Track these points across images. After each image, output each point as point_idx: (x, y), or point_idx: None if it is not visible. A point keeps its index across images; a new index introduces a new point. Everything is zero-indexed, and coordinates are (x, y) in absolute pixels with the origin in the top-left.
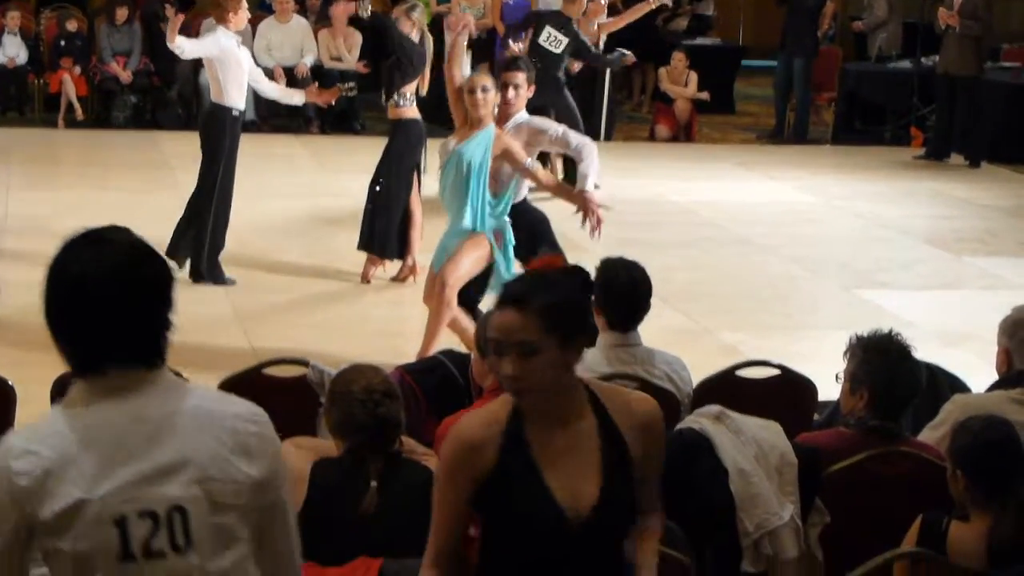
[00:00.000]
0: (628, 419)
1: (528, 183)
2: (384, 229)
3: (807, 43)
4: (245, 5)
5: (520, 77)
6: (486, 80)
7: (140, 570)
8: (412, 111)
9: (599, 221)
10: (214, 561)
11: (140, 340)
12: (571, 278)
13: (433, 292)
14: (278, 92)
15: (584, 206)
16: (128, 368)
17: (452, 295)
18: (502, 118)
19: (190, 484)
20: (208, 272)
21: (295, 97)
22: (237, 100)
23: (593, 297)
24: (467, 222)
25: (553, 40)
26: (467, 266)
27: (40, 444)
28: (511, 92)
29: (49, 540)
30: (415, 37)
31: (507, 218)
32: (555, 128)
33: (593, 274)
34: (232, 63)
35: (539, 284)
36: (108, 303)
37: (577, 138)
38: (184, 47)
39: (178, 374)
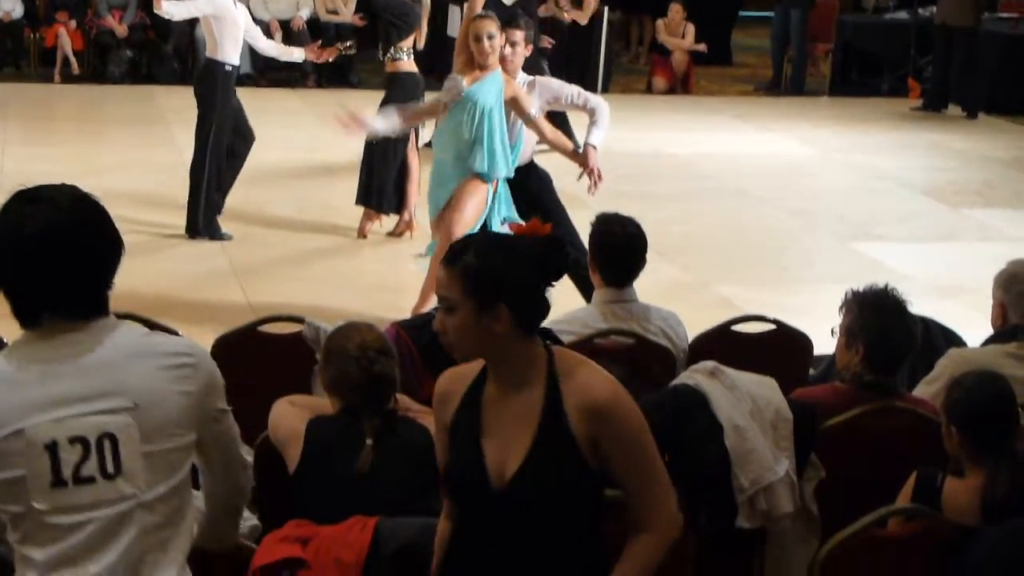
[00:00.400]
0: (578, 400)
1: (534, 143)
2: (381, 184)
3: None
4: None
5: (518, 35)
6: (492, 27)
7: (70, 495)
8: (409, 64)
9: (599, 179)
10: (148, 489)
11: (77, 295)
12: (531, 249)
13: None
14: (276, 50)
15: (585, 164)
16: (65, 319)
17: None
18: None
19: (120, 412)
20: (205, 228)
21: (294, 54)
22: (232, 56)
23: (589, 255)
24: (478, 164)
25: None
26: (470, 214)
27: None
28: (508, 50)
29: None
30: None
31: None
32: (570, 89)
33: (586, 239)
34: (228, 19)
35: (480, 246)
36: (42, 259)
37: (594, 98)
38: (172, 11)
39: (173, 331)
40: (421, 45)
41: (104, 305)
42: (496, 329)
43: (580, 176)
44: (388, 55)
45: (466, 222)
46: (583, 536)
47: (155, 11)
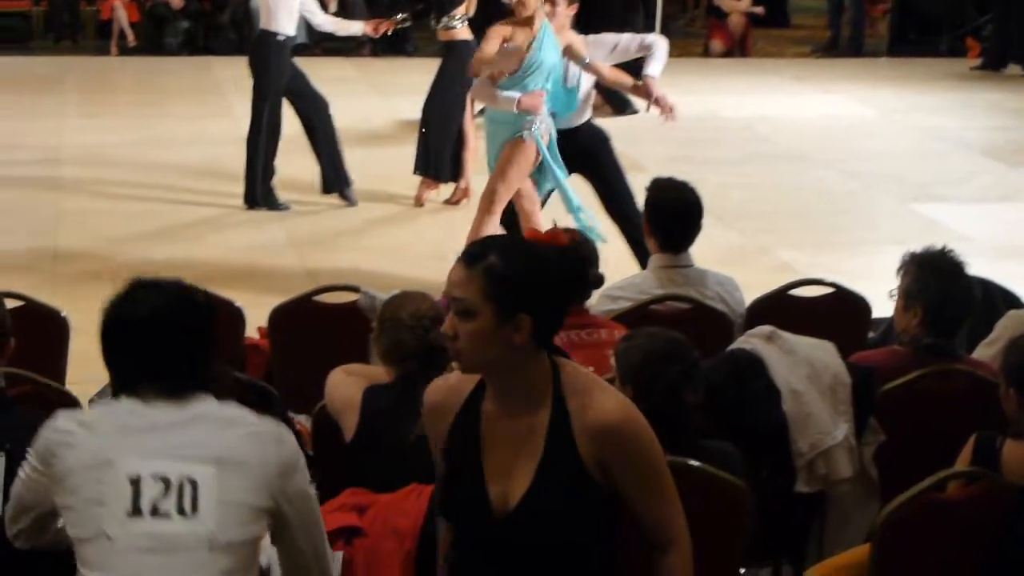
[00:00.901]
0: (587, 421)
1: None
2: (438, 152)
3: None
4: None
5: None
6: None
7: (144, 526)
8: (464, 32)
9: (671, 107)
10: (221, 534)
11: (176, 372)
12: (557, 257)
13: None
14: (333, 25)
15: (648, 95)
16: (162, 391)
17: (498, 208)
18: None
19: (206, 463)
20: (263, 198)
21: (352, 28)
22: (286, 26)
23: (645, 220)
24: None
25: None
26: (514, 176)
27: (80, 418)
28: (547, 8)
29: (71, 492)
30: None
31: (551, 120)
32: (622, 37)
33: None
34: None
35: (504, 249)
36: (147, 339)
37: (650, 36)
38: None
39: (229, 301)
40: (472, 11)
41: (201, 383)
42: (515, 340)
43: (648, 107)
44: (442, 23)
45: (508, 185)
46: (595, 562)
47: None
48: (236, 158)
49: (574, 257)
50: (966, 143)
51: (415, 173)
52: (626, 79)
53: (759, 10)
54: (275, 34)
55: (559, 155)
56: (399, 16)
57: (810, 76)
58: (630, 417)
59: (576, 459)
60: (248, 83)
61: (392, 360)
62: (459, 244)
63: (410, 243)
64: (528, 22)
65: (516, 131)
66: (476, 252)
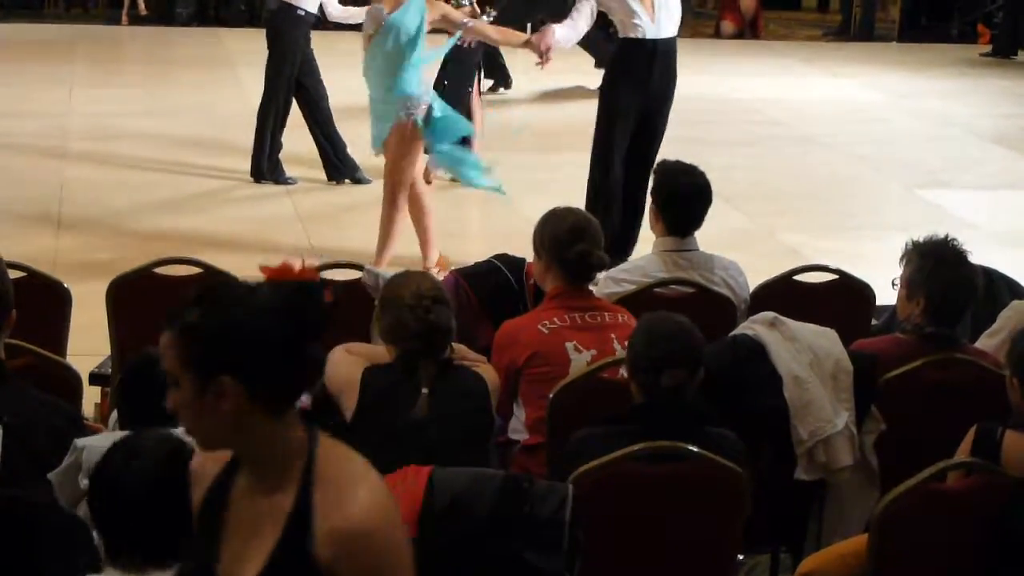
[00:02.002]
0: (327, 520)
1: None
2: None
3: None
4: None
5: None
6: None
7: None
8: (470, 13)
9: (547, 59)
10: None
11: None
12: (273, 300)
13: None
14: (344, 15)
15: (533, 47)
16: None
17: (402, 199)
18: None
19: None
20: (269, 171)
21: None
22: (308, 3)
23: (651, 202)
24: (409, 87)
25: None
26: (406, 163)
27: None
28: None
29: None
30: None
31: (433, 92)
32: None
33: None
34: None
35: (210, 300)
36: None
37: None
38: None
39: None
40: None
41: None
42: (223, 408)
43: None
44: (452, 1)
45: (404, 176)
46: None
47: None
48: (244, 131)
49: (302, 291)
50: (975, 130)
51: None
52: (517, 36)
53: None
54: (296, 8)
55: (446, 125)
56: None
57: (820, 59)
58: (377, 529)
59: (309, 559)
60: (259, 56)
61: (392, 339)
62: (465, 222)
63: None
64: None
65: (396, 113)
66: (175, 310)
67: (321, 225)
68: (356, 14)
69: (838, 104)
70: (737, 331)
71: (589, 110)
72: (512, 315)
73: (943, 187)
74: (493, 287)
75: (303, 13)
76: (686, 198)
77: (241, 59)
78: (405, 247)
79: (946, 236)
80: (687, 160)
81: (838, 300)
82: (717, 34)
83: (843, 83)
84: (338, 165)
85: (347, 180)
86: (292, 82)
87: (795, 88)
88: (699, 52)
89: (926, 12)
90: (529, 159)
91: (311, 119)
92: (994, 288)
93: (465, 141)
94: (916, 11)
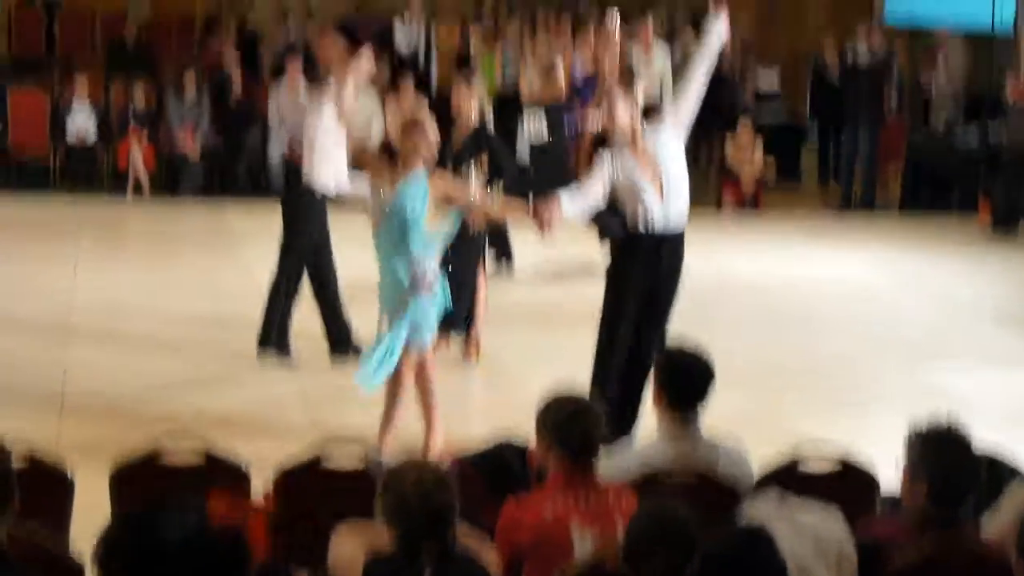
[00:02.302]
0: None
1: None
2: (453, 306)
3: (871, 114)
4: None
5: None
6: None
7: None
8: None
9: (548, 228)
10: None
11: None
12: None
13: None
14: (351, 188)
15: (538, 219)
16: None
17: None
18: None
19: None
20: (276, 341)
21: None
22: (328, 184)
23: (655, 382)
24: (404, 276)
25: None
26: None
27: None
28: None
29: None
30: (475, 106)
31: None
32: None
33: None
34: (331, 144)
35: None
36: None
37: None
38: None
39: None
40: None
41: None
42: None
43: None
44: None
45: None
46: None
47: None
48: (248, 307)
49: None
50: (976, 308)
51: None
52: (519, 212)
53: (771, 166)
54: (311, 184)
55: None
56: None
57: (821, 233)
58: None
59: None
60: (264, 230)
61: (394, 521)
62: (469, 400)
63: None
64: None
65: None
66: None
67: (325, 404)
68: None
69: (839, 281)
70: (743, 508)
71: (593, 285)
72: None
73: (946, 365)
74: (497, 470)
75: (320, 196)
76: (687, 383)
77: (246, 233)
78: (420, 426)
79: (948, 419)
80: (688, 338)
81: (842, 488)
82: (718, 208)
83: (845, 258)
84: (343, 342)
85: (350, 358)
86: (305, 256)
87: (796, 263)
88: (700, 226)
89: (927, 185)
90: (532, 336)
91: (319, 295)
92: (997, 471)
93: (465, 317)
94: (916, 185)
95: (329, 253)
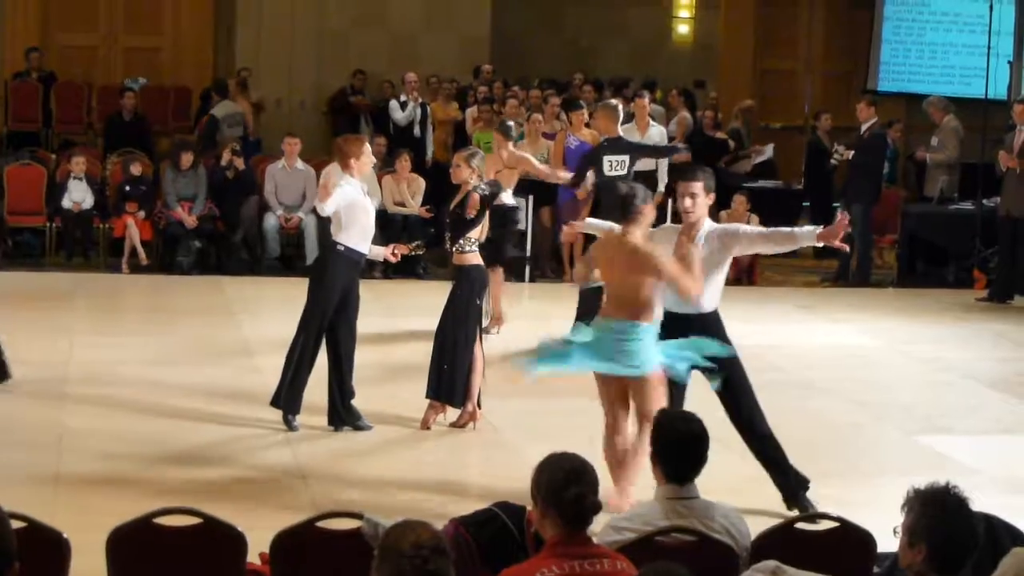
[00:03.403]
0: None
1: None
2: (451, 376)
3: (867, 189)
4: (368, 149)
5: (697, 186)
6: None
7: None
8: (476, 257)
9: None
10: None
11: None
12: None
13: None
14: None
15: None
16: None
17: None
18: (687, 228)
19: None
20: (286, 402)
21: (373, 252)
22: (359, 244)
23: (651, 449)
24: None
25: (617, 164)
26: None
27: None
28: (688, 201)
29: None
30: (474, 183)
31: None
32: (744, 226)
33: None
34: (359, 209)
35: None
36: None
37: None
38: (330, 207)
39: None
40: (484, 237)
41: None
42: None
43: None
44: (457, 246)
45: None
46: None
47: (319, 209)
48: (244, 379)
49: None
50: (972, 375)
51: (427, 397)
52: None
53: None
54: (337, 244)
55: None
56: (414, 243)
57: (817, 305)
58: None
59: None
60: (260, 303)
61: None
62: (465, 469)
63: (415, 467)
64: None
65: None
66: None
67: (321, 473)
68: (373, 254)
69: (836, 349)
70: None
71: None
72: (512, 564)
73: (942, 433)
74: (493, 535)
75: (343, 248)
76: (684, 445)
77: (242, 307)
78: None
79: (947, 483)
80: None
81: (839, 548)
82: None
83: (841, 329)
84: (341, 412)
85: (347, 428)
86: (325, 320)
87: (793, 334)
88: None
89: (923, 257)
90: (530, 404)
91: (332, 361)
92: (995, 535)
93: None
94: (912, 256)
95: (352, 319)
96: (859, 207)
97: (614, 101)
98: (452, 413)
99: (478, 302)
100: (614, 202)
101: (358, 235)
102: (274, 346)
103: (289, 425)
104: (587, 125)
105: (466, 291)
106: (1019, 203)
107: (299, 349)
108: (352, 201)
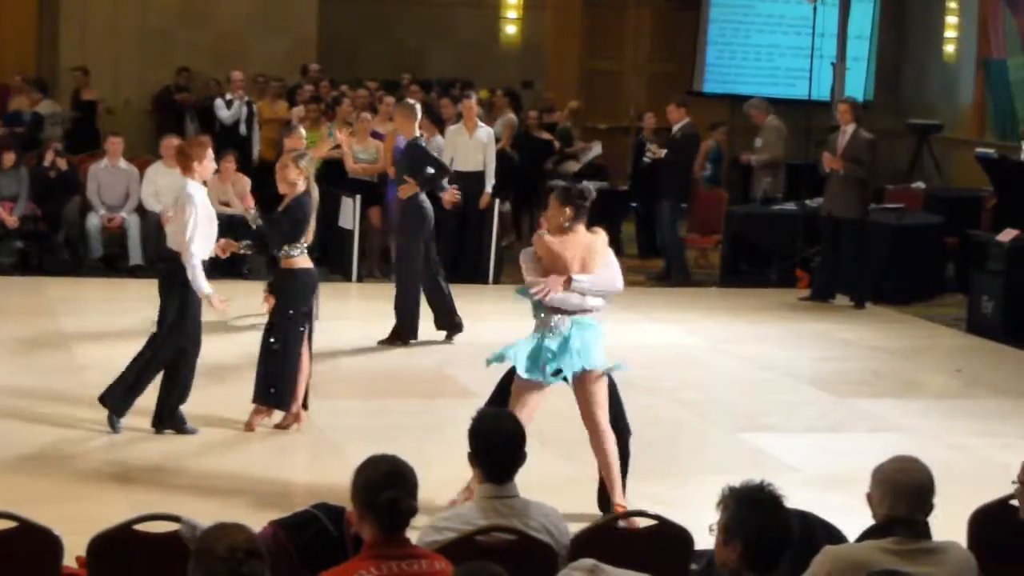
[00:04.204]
0: None
1: None
2: (282, 381)
3: (675, 187)
4: (211, 154)
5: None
6: None
7: None
8: (303, 260)
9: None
10: None
11: None
12: None
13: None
14: None
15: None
16: None
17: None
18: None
19: None
20: (116, 406)
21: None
22: (202, 251)
23: (468, 449)
24: None
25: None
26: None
27: None
28: None
29: None
30: (302, 186)
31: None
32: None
33: None
34: (203, 214)
35: None
36: None
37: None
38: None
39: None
40: (310, 240)
41: None
42: None
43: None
44: (283, 251)
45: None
46: None
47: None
48: (66, 380)
49: None
50: (794, 373)
51: (254, 402)
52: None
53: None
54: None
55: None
56: (244, 243)
57: (641, 305)
58: None
59: None
60: (81, 304)
61: None
62: (289, 471)
63: (239, 469)
64: None
65: None
66: None
67: (141, 476)
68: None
69: (659, 349)
70: None
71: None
72: (331, 565)
73: (763, 431)
74: (312, 537)
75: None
76: (499, 445)
77: (64, 308)
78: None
79: (761, 481)
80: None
81: (657, 545)
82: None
83: (664, 328)
84: (163, 416)
85: (170, 431)
86: (185, 329)
87: (616, 333)
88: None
89: (746, 257)
90: (358, 406)
91: (171, 366)
92: (811, 531)
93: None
94: (735, 256)
95: (193, 336)
96: (667, 204)
97: (411, 101)
98: (276, 416)
99: (306, 304)
100: None
101: (203, 242)
102: (96, 346)
103: (113, 426)
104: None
105: (291, 295)
106: (842, 204)
107: (154, 360)
108: (196, 205)
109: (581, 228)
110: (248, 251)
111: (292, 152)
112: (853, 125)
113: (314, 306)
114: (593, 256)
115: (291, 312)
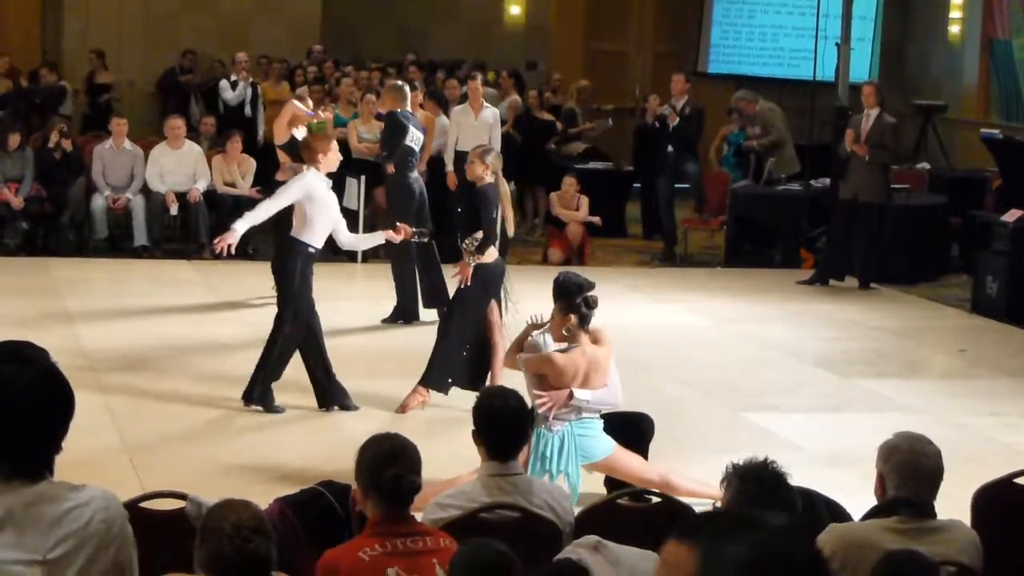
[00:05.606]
0: None
1: None
2: (442, 362)
3: (674, 166)
4: (335, 147)
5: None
6: None
7: None
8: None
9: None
10: None
11: (29, 453)
12: None
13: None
14: (358, 241)
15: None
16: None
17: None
18: None
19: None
20: (259, 397)
21: (376, 238)
22: (317, 239)
23: (473, 427)
24: None
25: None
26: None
27: None
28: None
29: None
30: (489, 179)
31: None
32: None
33: None
34: (319, 201)
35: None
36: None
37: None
38: (243, 228)
39: None
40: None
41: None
42: None
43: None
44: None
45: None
46: None
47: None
48: (73, 360)
49: None
50: (798, 353)
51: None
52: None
53: (596, 220)
54: (306, 244)
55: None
56: (419, 230)
57: (646, 285)
58: None
59: None
60: (86, 285)
61: (211, 570)
62: (290, 447)
63: (240, 449)
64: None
65: None
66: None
67: (147, 455)
68: (371, 239)
69: (663, 328)
70: (561, 555)
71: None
72: (337, 542)
73: (767, 410)
74: (318, 514)
75: (313, 250)
76: (504, 423)
77: (69, 289)
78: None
79: (765, 459)
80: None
81: (661, 523)
82: (545, 261)
83: (669, 308)
84: (251, 390)
85: (336, 407)
86: (302, 314)
87: (621, 313)
88: (527, 279)
89: (750, 238)
90: (359, 383)
91: (304, 348)
92: (815, 509)
93: None
94: (740, 237)
95: (311, 305)
96: (663, 181)
97: (400, 82)
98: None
99: (487, 298)
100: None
101: (321, 230)
102: (101, 327)
103: (274, 410)
104: (421, 106)
105: (476, 291)
106: (865, 188)
107: (276, 347)
108: (313, 191)
109: (586, 338)
110: (422, 239)
111: (477, 148)
112: (877, 109)
113: (503, 293)
114: (596, 370)
115: (470, 305)
